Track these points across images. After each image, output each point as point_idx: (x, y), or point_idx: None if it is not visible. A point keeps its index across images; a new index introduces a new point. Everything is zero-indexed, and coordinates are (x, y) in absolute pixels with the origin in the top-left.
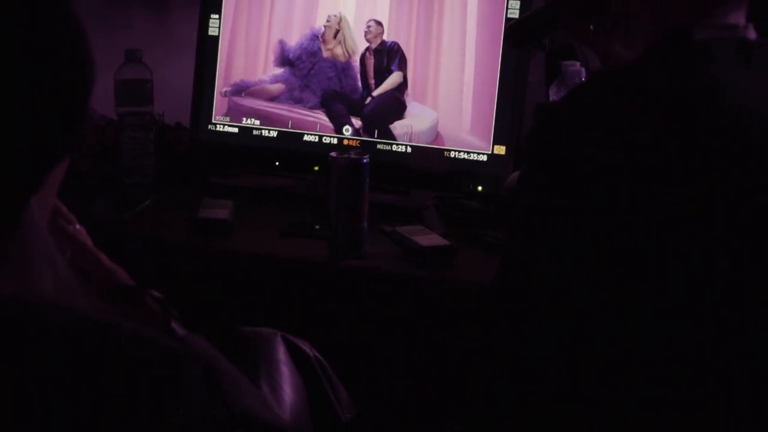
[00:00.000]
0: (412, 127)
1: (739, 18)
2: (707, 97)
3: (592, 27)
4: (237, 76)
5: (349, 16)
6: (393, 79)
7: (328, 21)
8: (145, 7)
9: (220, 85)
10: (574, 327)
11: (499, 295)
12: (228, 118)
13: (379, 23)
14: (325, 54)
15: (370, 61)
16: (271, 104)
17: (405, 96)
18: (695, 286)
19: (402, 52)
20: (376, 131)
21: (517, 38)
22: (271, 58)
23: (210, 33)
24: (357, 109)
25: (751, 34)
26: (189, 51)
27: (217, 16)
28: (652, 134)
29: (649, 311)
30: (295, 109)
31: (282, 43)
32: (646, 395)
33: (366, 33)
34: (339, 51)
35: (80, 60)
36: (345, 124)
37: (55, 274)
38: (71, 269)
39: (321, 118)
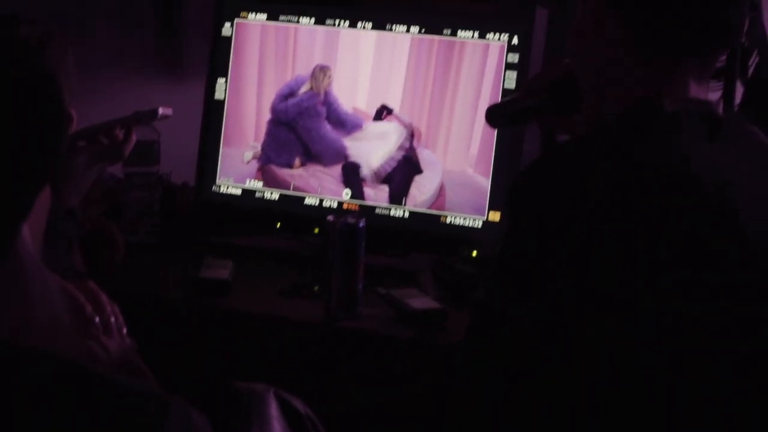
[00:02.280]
0: (416, 196)
1: (701, 93)
2: (673, 163)
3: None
4: (243, 140)
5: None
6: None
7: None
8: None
9: (235, 148)
10: (550, 376)
11: (477, 345)
12: (232, 179)
13: (390, 112)
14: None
15: None
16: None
17: (416, 160)
18: (665, 338)
19: (413, 130)
20: (387, 194)
21: (495, 122)
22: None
23: (216, 97)
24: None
25: (718, 110)
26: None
27: (224, 80)
28: (620, 196)
29: (623, 364)
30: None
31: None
32: None
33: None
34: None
35: (53, 97)
36: (358, 189)
37: (48, 305)
38: (64, 299)
39: (327, 177)
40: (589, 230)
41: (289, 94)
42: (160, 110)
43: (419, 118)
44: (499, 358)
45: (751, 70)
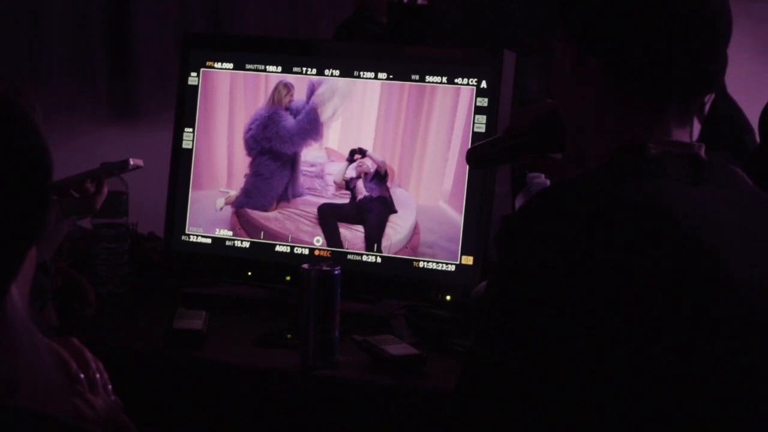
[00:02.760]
0: (391, 236)
1: (683, 136)
2: (656, 207)
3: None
4: (214, 187)
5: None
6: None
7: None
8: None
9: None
10: (542, 425)
11: (467, 397)
12: (201, 229)
13: (363, 155)
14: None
15: (359, 182)
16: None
17: (391, 200)
18: (654, 383)
19: (386, 169)
20: (362, 234)
21: (477, 163)
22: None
23: (184, 146)
24: (347, 217)
25: (702, 153)
26: (165, 162)
27: (191, 129)
28: (605, 241)
29: (616, 412)
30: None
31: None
32: None
33: (358, 166)
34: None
35: (40, 158)
36: (334, 230)
37: (36, 364)
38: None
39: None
40: (577, 276)
41: (252, 123)
42: (131, 161)
43: (392, 158)
44: (491, 407)
45: (707, 107)
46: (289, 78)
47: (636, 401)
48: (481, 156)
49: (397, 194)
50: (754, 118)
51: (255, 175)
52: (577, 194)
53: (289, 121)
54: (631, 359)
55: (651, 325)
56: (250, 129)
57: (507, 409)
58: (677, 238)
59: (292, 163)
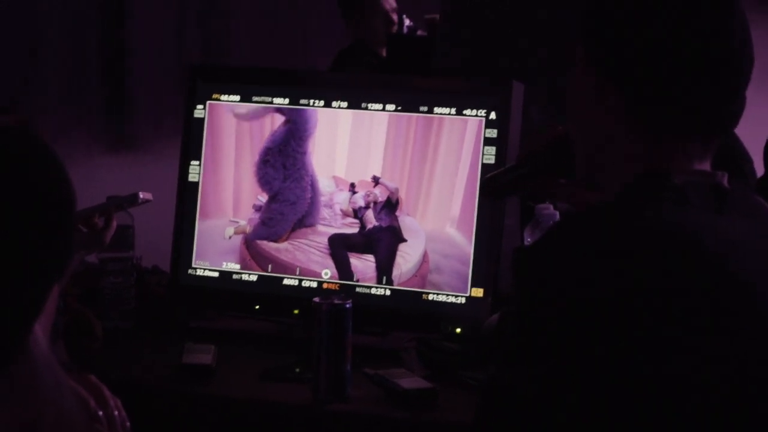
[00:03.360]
0: (401, 265)
1: (705, 166)
2: (683, 236)
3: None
4: (221, 219)
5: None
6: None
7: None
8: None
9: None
10: None
11: (487, 424)
12: (208, 263)
13: (376, 182)
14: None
15: (368, 212)
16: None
17: (399, 229)
18: (685, 417)
19: (396, 197)
20: (373, 264)
21: (492, 193)
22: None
23: (190, 179)
24: (356, 247)
25: (724, 182)
26: (162, 194)
27: (197, 162)
28: (631, 272)
29: None
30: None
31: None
32: None
33: (366, 196)
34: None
35: (66, 197)
36: (344, 260)
37: (58, 402)
38: (75, 395)
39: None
40: (599, 305)
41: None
42: (141, 195)
43: (399, 186)
44: None
45: None
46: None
47: (661, 429)
48: (496, 185)
49: (406, 222)
50: (751, 148)
51: (281, 201)
52: (601, 224)
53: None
54: (657, 391)
55: (678, 356)
56: (266, 159)
57: None
58: (706, 268)
59: (312, 185)
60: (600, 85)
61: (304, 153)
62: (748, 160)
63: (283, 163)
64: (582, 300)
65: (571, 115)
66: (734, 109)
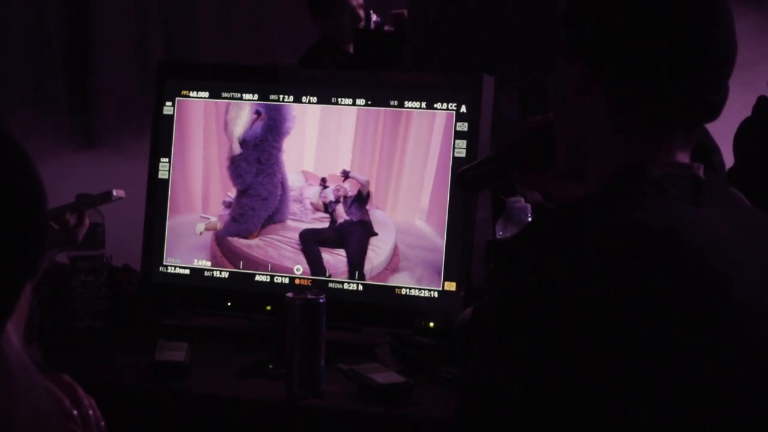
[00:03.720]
0: (372, 259)
1: (684, 158)
2: (661, 229)
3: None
4: (191, 214)
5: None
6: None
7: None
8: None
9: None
10: None
11: (468, 420)
12: (179, 260)
13: (346, 176)
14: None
15: (338, 207)
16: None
17: (370, 223)
18: (663, 410)
19: (367, 191)
20: (345, 258)
21: (467, 186)
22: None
23: (160, 177)
24: (327, 242)
25: (701, 173)
26: (131, 191)
27: (167, 159)
28: (610, 264)
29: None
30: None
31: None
32: None
33: (336, 190)
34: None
35: (37, 194)
36: (316, 255)
37: (32, 403)
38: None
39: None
40: (580, 299)
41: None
42: (114, 192)
43: (370, 179)
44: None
45: None
46: (269, 106)
47: (641, 426)
48: (473, 177)
49: (376, 216)
50: (721, 139)
51: (252, 196)
52: (582, 218)
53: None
54: (636, 385)
55: (656, 350)
56: (241, 153)
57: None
58: (682, 262)
59: (282, 183)
60: (582, 75)
61: (279, 150)
62: (716, 152)
63: (258, 157)
64: (563, 295)
65: (554, 106)
66: (717, 99)
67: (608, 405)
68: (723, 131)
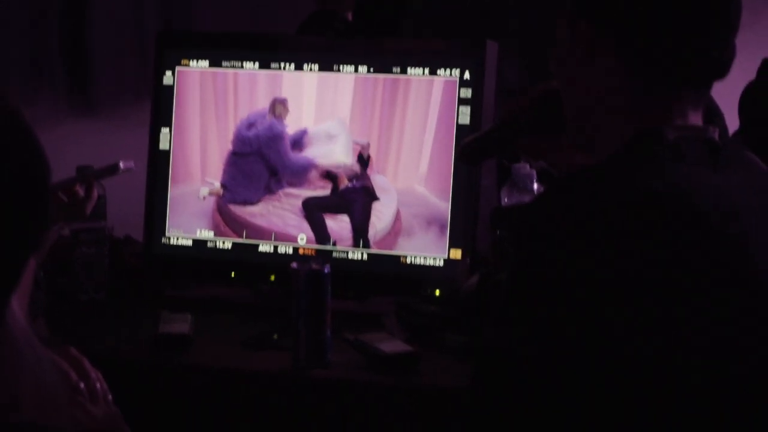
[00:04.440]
0: (375, 224)
1: (697, 120)
2: (678, 195)
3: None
4: (193, 182)
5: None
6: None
7: None
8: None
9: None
10: (563, 417)
11: (487, 386)
12: (181, 230)
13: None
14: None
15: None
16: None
17: (372, 188)
18: (675, 373)
19: (367, 154)
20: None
21: (471, 158)
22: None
23: (161, 147)
24: (331, 208)
25: (716, 136)
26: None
27: (167, 129)
28: (628, 232)
29: (635, 402)
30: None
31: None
32: None
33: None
34: None
35: (40, 166)
36: (320, 223)
37: (38, 377)
38: (54, 367)
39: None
40: (600, 266)
41: (252, 124)
42: (122, 164)
43: (369, 144)
44: (511, 399)
45: None
46: (267, 73)
47: (660, 389)
48: (477, 148)
49: (377, 181)
50: (724, 103)
51: (253, 163)
52: (598, 185)
53: (290, 150)
54: (656, 350)
55: (675, 318)
56: (248, 132)
57: (526, 400)
58: (701, 228)
59: (274, 171)
60: (590, 37)
61: (279, 117)
62: (719, 115)
63: (258, 124)
64: (583, 262)
65: (559, 71)
66: (725, 57)
67: (628, 370)
68: (731, 95)
